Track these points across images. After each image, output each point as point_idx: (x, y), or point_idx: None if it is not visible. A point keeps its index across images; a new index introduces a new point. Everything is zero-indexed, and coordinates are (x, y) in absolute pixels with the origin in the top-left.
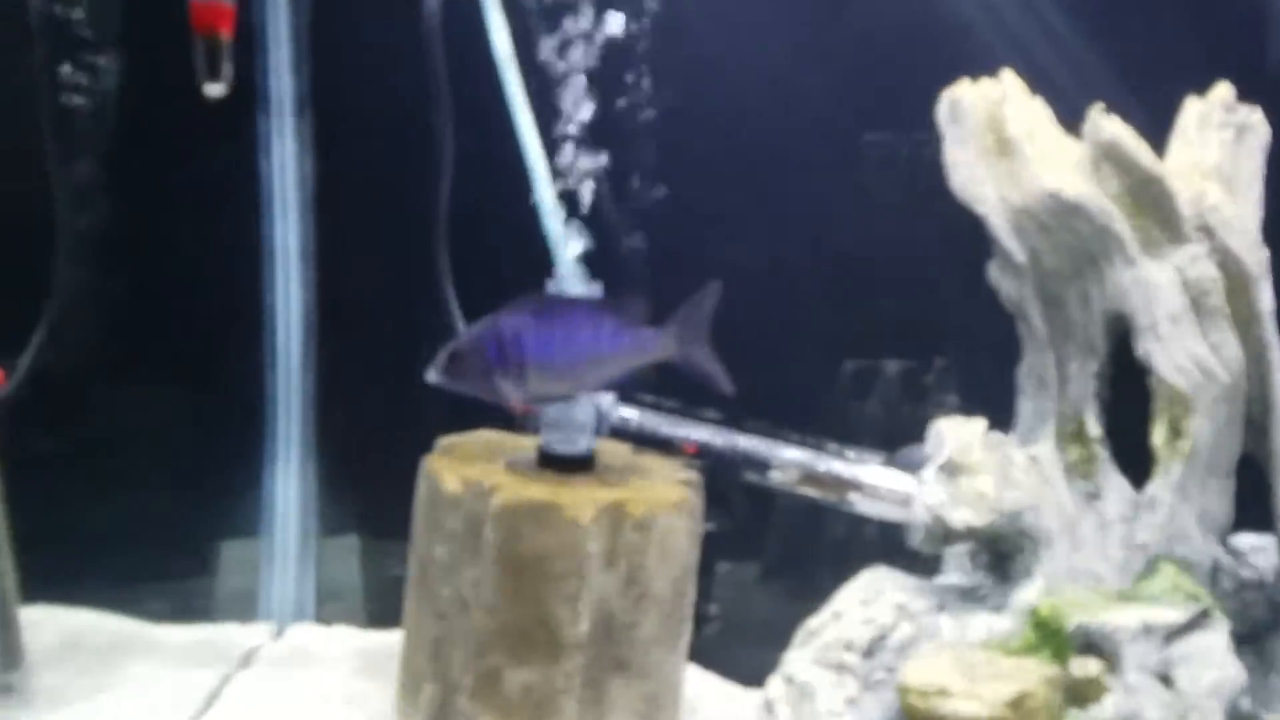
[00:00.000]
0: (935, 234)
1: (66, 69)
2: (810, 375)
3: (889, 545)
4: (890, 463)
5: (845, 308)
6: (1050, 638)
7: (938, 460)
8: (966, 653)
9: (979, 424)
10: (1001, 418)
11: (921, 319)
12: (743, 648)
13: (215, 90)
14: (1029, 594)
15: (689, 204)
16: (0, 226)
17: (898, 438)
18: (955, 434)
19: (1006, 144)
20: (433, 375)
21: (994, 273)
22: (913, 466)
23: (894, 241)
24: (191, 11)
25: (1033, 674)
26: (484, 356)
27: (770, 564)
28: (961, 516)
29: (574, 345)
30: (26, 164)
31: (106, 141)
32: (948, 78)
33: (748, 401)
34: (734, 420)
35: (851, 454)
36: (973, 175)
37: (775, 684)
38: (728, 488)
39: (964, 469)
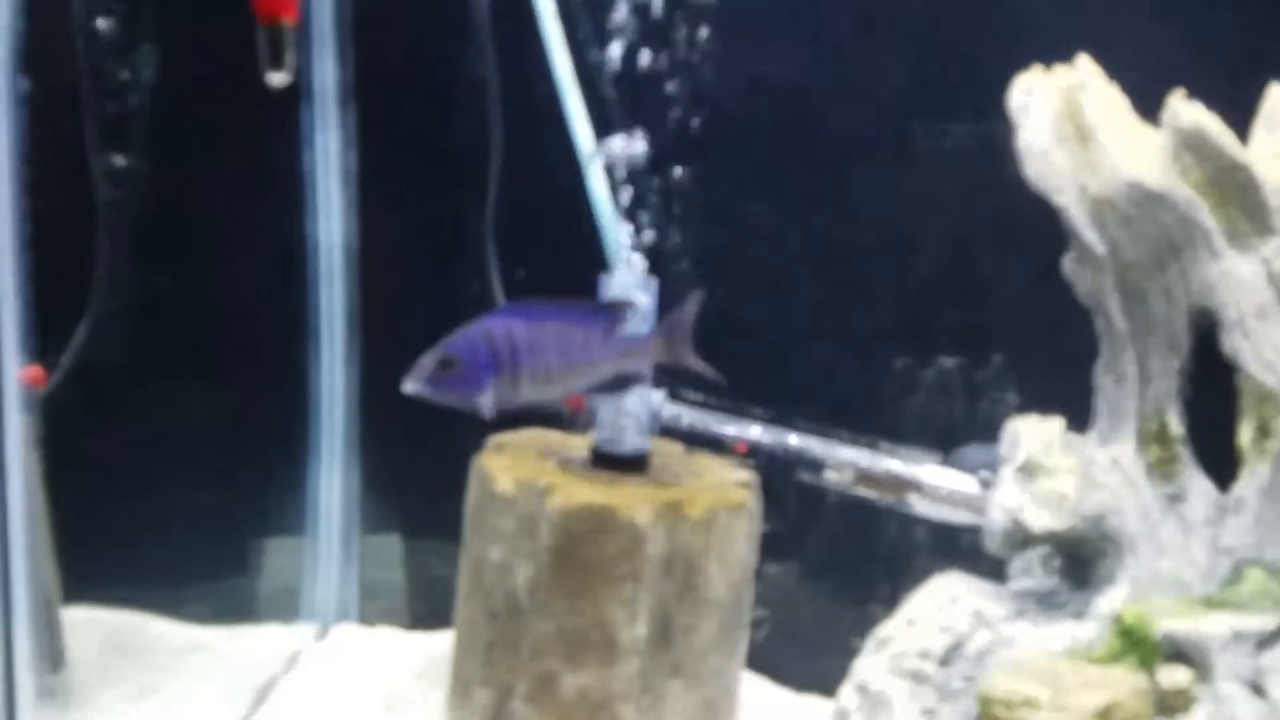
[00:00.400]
0: (993, 227)
1: (107, 62)
2: (861, 373)
3: (940, 547)
4: (948, 463)
5: (897, 303)
6: (1136, 646)
7: (1015, 461)
8: (1050, 661)
9: (1056, 423)
10: (1066, 416)
11: (978, 314)
12: (793, 652)
13: (279, 79)
14: (1113, 600)
15: (738, 198)
16: (42, 222)
17: (953, 437)
18: (1032, 433)
19: (1084, 132)
20: (413, 385)
21: (1070, 266)
22: (972, 467)
23: (951, 235)
24: None
25: (1121, 683)
26: (477, 362)
27: (818, 566)
28: (1041, 519)
29: (567, 350)
30: (68, 158)
31: (148, 135)
32: (1017, 65)
33: (797, 399)
34: (783, 419)
35: (906, 454)
36: (1049, 165)
37: (848, 693)
38: (781, 488)
39: (1043, 470)
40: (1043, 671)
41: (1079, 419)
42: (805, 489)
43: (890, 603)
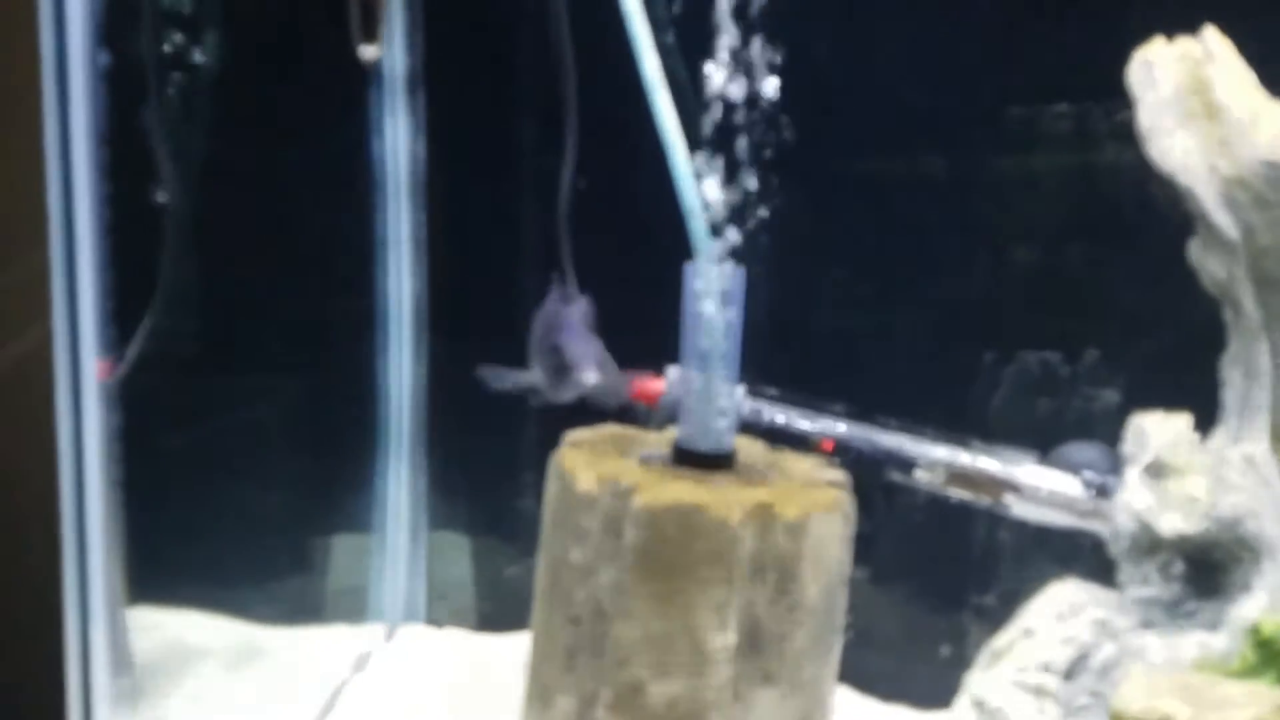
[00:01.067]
0: (1092, 213)
1: (170, 47)
2: (948, 367)
3: (1029, 553)
4: (1046, 462)
5: (988, 294)
6: (1276, 659)
7: (1142, 460)
8: (1184, 675)
9: (1184, 419)
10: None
11: (1076, 305)
12: (876, 659)
13: (370, 52)
14: (1249, 610)
15: (825, 188)
16: (109, 215)
17: (1049, 436)
18: (1159, 431)
19: (1213, 108)
20: (590, 376)
21: (1196, 251)
22: (1073, 466)
23: (1044, 221)
24: None
25: (1265, 700)
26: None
27: (903, 570)
28: (1172, 523)
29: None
30: (134, 143)
31: (214, 120)
32: (1134, 38)
33: (881, 395)
34: (867, 415)
35: (1001, 453)
36: (1175, 143)
37: (963, 708)
38: (869, 487)
39: (1172, 470)
40: (1179, 687)
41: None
42: (892, 489)
43: (977, 610)
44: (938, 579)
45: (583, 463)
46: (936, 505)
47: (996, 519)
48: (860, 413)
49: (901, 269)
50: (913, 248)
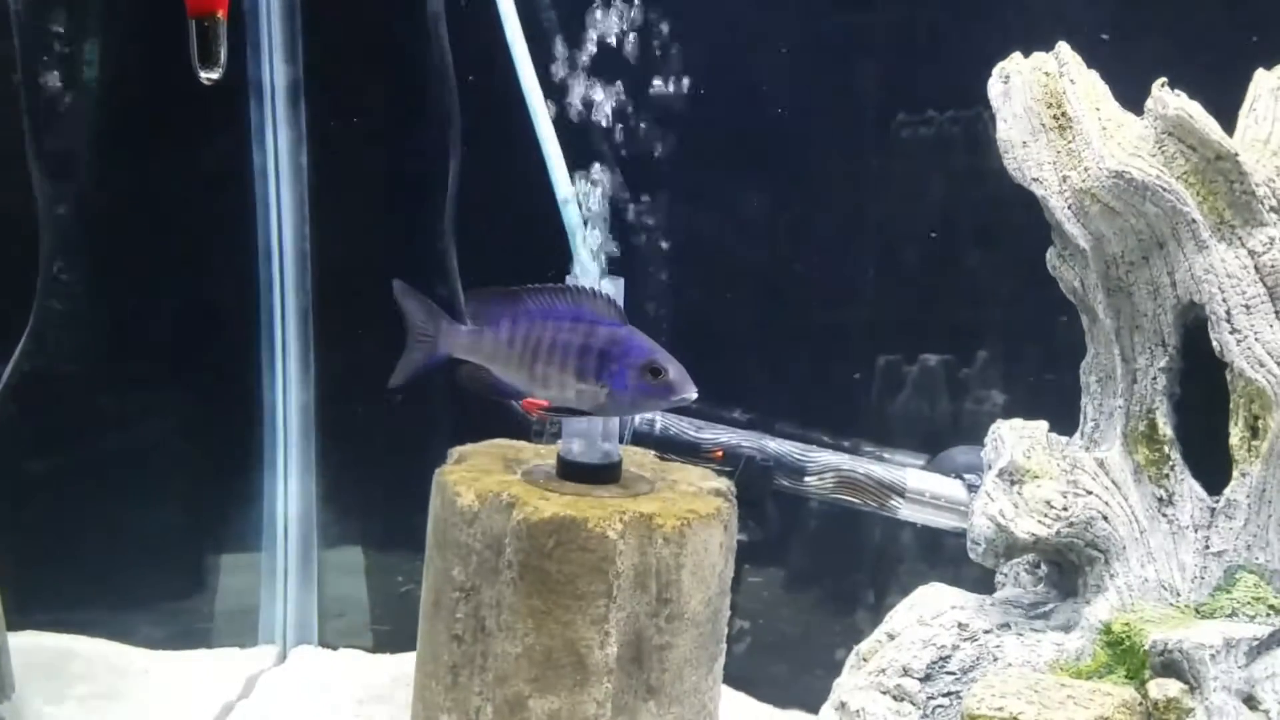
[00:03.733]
0: (976, 220)
1: (45, 59)
2: (841, 373)
3: (923, 553)
4: (932, 466)
5: (879, 300)
6: (1124, 657)
7: (998, 465)
8: (1034, 676)
9: (1041, 425)
10: (1050, 416)
11: (961, 311)
12: (773, 665)
13: (211, 76)
14: (1100, 610)
15: (708, 197)
16: None
17: (938, 439)
18: (1016, 437)
19: (1066, 120)
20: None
21: (1053, 260)
22: (957, 470)
23: (929, 229)
24: None
25: (1109, 698)
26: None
27: (800, 575)
28: (1027, 527)
29: None
30: (5, 159)
31: (90, 134)
32: (996, 52)
33: (775, 402)
34: (761, 423)
35: (890, 457)
36: (1029, 155)
37: (827, 713)
38: (758, 495)
39: (1027, 475)
40: (1028, 687)
41: (1070, 419)
42: (785, 496)
43: (876, 610)
44: (836, 583)
45: (465, 478)
46: (834, 510)
47: (896, 521)
48: (753, 421)
49: (792, 274)
50: (808, 255)
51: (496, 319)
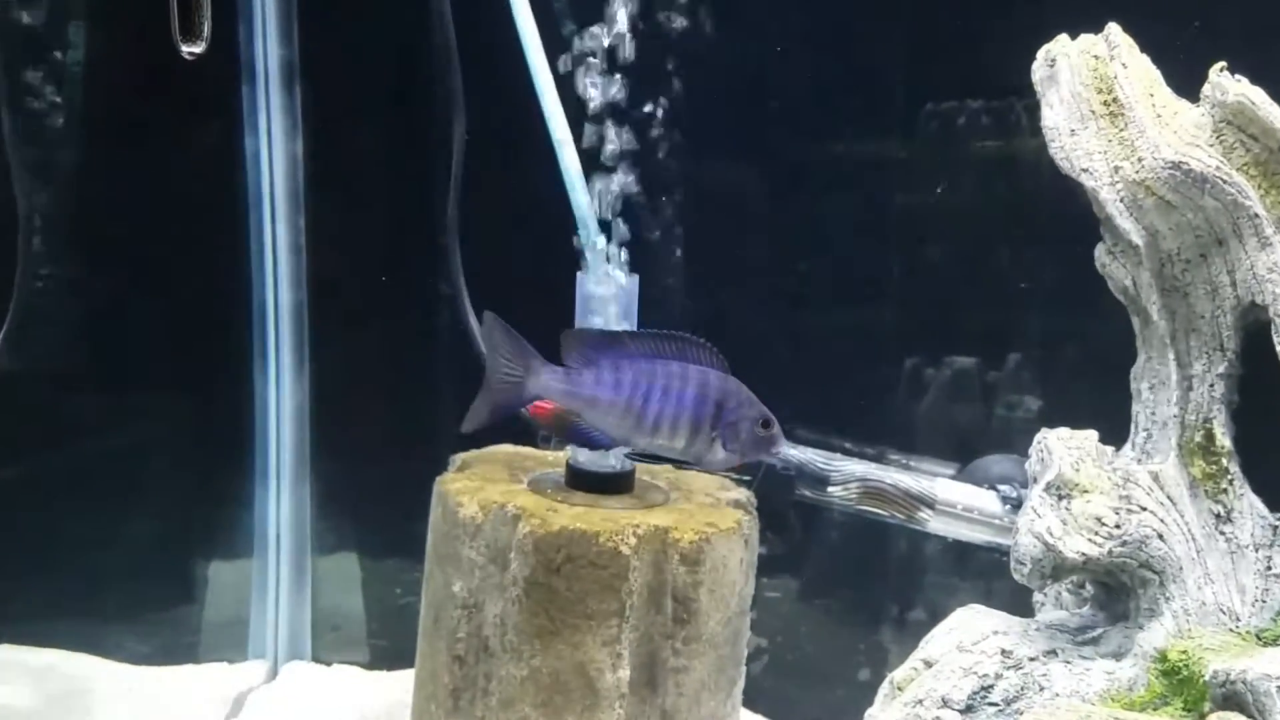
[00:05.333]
0: (1015, 215)
1: (23, 41)
2: (867, 377)
3: (953, 566)
4: (963, 476)
5: (908, 300)
6: (1182, 688)
7: (1045, 478)
8: (1086, 708)
9: (1090, 435)
10: (1090, 424)
11: (995, 311)
12: (792, 685)
13: (193, 49)
14: (1155, 636)
15: (724, 195)
16: None
17: (970, 446)
18: (1064, 447)
19: (1117, 107)
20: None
21: (1102, 257)
22: (990, 480)
23: (958, 223)
24: None
25: None
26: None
27: (816, 588)
28: (1077, 546)
29: None
30: None
31: (72, 121)
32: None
33: (797, 408)
34: (783, 429)
35: (917, 466)
36: (1077, 143)
37: None
38: (780, 506)
39: (1077, 489)
40: None
41: (1112, 428)
42: (807, 507)
43: (901, 627)
44: (859, 598)
45: (467, 487)
46: (858, 522)
47: (917, 533)
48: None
49: (817, 274)
50: (832, 254)
51: (593, 362)
